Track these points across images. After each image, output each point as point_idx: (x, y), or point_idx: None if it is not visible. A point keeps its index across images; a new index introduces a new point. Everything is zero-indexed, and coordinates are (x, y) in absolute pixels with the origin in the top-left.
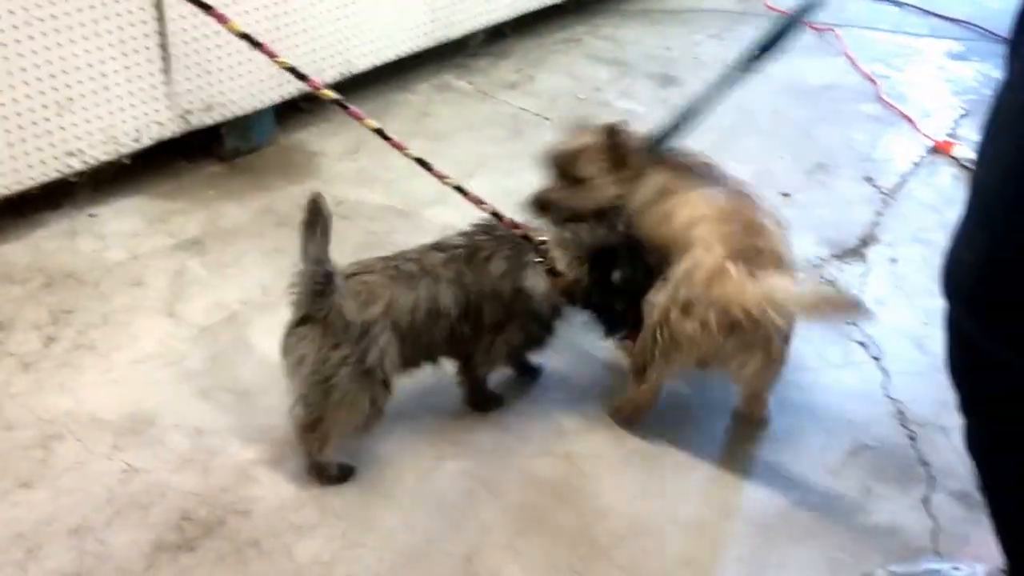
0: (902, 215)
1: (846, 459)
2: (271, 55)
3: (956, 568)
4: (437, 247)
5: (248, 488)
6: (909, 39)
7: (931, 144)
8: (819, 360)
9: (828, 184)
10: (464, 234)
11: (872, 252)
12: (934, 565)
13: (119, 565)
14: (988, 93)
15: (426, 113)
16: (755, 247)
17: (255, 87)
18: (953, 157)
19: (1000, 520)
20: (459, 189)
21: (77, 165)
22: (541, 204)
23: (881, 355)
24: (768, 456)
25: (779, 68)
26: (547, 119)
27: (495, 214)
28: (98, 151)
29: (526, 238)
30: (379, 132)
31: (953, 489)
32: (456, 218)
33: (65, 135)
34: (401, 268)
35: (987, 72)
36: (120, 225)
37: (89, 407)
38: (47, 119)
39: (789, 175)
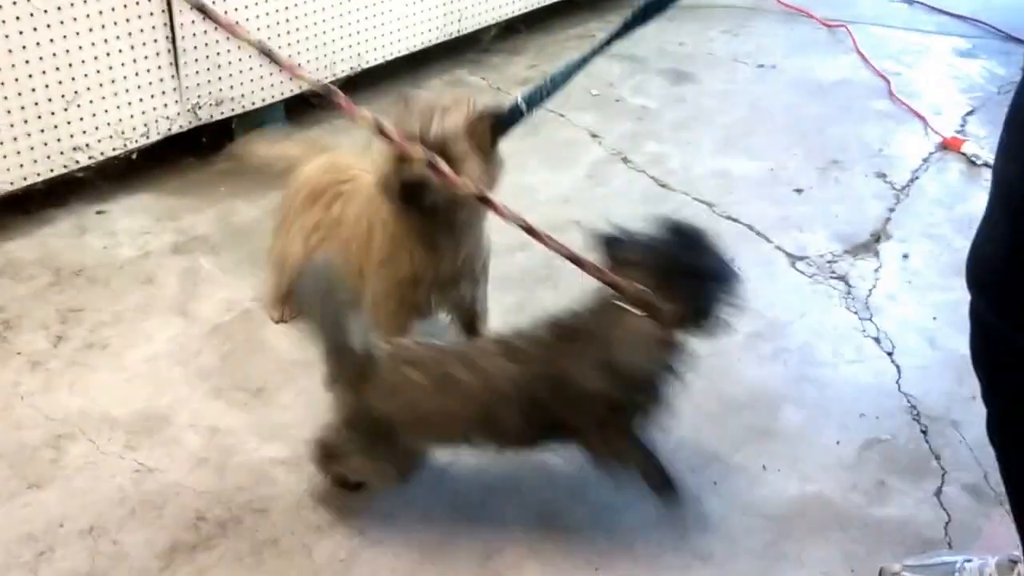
0: (913, 211)
1: (860, 453)
2: (291, 70)
3: (968, 560)
4: (508, 350)
5: (265, 487)
6: (919, 36)
7: (940, 141)
8: (833, 356)
9: (841, 180)
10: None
11: (884, 247)
12: (947, 557)
13: (133, 565)
14: (994, 90)
15: None
16: None
17: (266, 81)
18: (962, 153)
19: (1019, 506)
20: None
21: (84, 160)
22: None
23: (893, 350)
24: (783, 451)
25: (792, 65)
26: (562, 115)
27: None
28: (106, 146)
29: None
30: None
31: (965, 482)
32: None
33: (72, 129)
34: (450, 372)
35: (993, 69)
36: (129, 222)
37: (100, 406)
38: (53, 113)
39: (802, 171)
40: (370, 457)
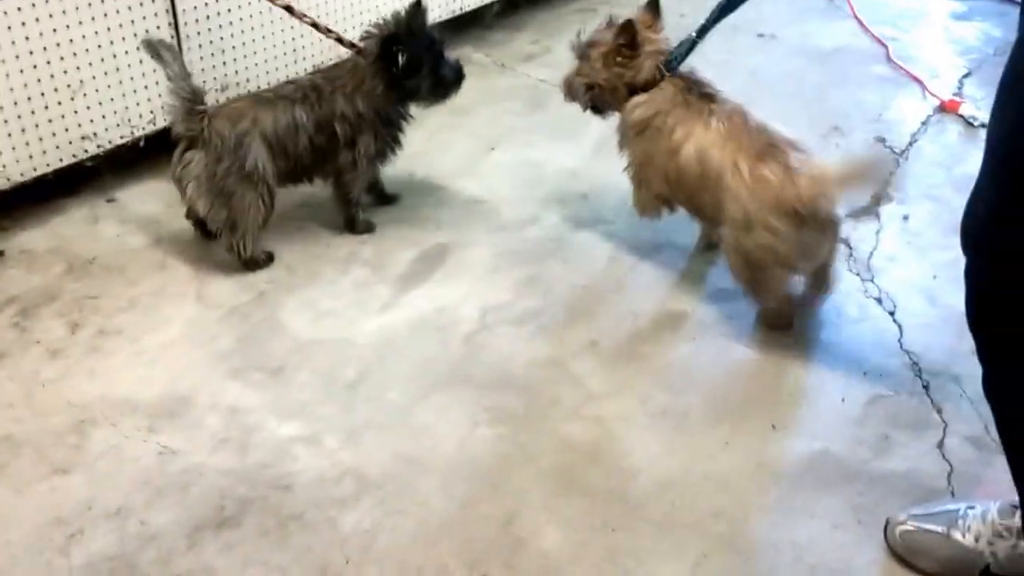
0: (913, 173)
1: (865, 409)
2: None
3: (971, 507)
4: (290, 82)
5: (287, 464)
6: (915, 1)
7: (938, 103)
8: (837, 316)
9: (842, 145)
10: (311, 75)
11: (884, 210)
12: (951, 505)
13: (162, 545)
14: (990, 52)
15: None
16: (769, 143)
17: (271, 64)
18: (960, 115)
19: (1017, 459)
20: (315, 25)
21: (92, 149)
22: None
23: (895, 309)
24: (791, 409)
25: (791, 33)
26: None
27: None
28: (113, 134)
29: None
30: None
31: (966, 434)
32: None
33: (79, 119)
34: (260, 96)
35: (989, 31)
36: (141, 209)
37: (121, 391)
38: (60, 103)
39: (805, 138)
40: (238, 183)
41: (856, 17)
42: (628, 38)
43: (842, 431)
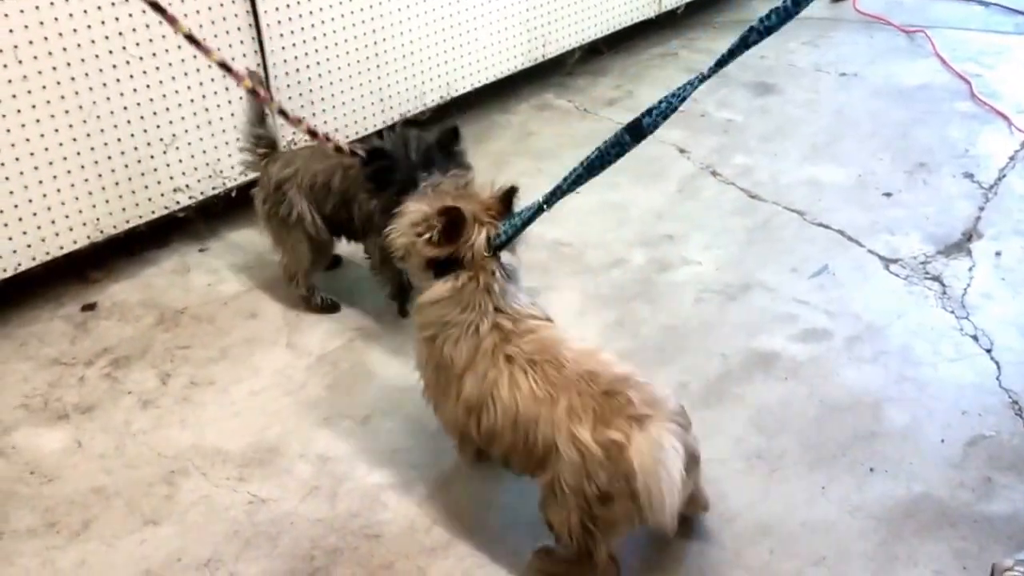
0: (1003, 209)
1: (965, 450)
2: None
3: None
4: (361, 141)
5: (377, 512)
6: (997, 37)
7: None
8: (933, 355)
9: (929, 182)
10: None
11: (976, 246)
12: None
13: None
14: None
15: (529, 132)
16: (608, 393)
17: (359, 114)
18: None
19: None
20: (282, 112)
21: (184, 201)
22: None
23: (992, 347)
24: (889, 452)
25: (873, 72)
26: None
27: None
28: (205, 186)
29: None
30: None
31: None
32: None
33: (171, 171)
34: (324, 149)
35: None
36: (232, 258)
37: (211, 441)
38: (152, 156)
39: (891, 175)
40: (277, 224)
41: (938, 55)
42: (450, 223)
43: (943, 473)
